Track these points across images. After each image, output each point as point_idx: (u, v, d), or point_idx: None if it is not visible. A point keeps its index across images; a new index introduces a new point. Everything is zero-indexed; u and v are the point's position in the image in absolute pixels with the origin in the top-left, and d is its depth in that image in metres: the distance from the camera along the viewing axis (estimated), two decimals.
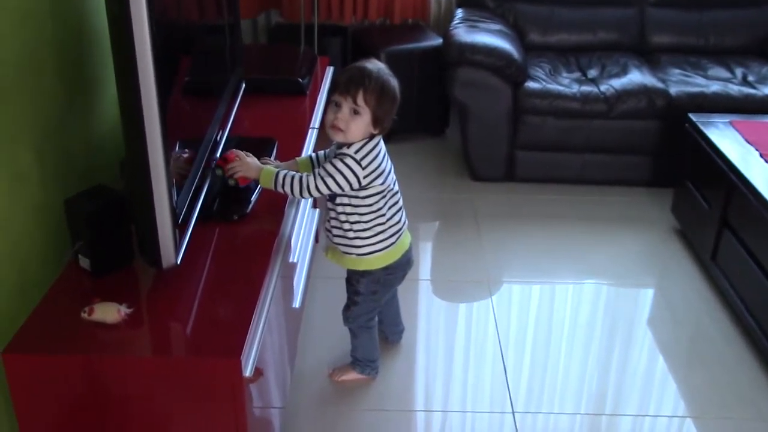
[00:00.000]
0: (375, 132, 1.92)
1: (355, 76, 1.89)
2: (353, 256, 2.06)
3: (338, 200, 1.98)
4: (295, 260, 2.14)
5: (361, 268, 2.10)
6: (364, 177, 1.91)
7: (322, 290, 2.70)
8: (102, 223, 1.60)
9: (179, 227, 1.54)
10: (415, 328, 2.58)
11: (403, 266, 2.15)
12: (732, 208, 2.65)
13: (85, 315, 1.48)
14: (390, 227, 2.04)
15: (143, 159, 1.42)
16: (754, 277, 2.44)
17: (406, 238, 2.14)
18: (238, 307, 1.55)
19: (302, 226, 2.29)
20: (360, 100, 1.87)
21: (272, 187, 1.90)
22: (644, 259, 3.05)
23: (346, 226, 2.01)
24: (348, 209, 1.98)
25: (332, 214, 2.03)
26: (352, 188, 1.92)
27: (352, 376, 2.31)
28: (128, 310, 1.50)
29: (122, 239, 1.65)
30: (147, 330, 1.53)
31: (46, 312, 1.52)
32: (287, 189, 1.90)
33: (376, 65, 1.93)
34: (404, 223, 2.11)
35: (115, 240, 1.63)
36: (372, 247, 2.04)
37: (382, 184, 1.96)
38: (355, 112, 1.88)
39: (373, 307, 2.21)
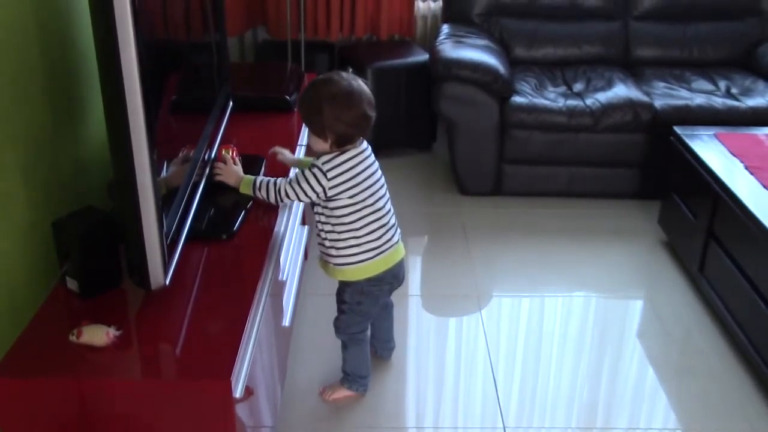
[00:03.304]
0: (330, 142, 1.95)
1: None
2: (330, 265, 2.10)
3: (315, 209, 2.03)
4: (284, 278, 2.14)
5: (338, 277, 2.12)
6: (330, 188, 1.93)
7: (312, 307, 2.69)
8: (90, 245, 1.59)
9: (168, 247, 1.53)
10: (405, 343, 2.57)
11: (388, 280, 2.14)
12: (718, 219, 2.66)
13: (73, 338, 1.47)
14: (365, 243, 2.03)
15: (131, 180, 1.42)
16: (741, 288, 2.46)
17: (394, 255, 2.11)
18: (228, 327, 1.55)
19: (291, 244, 2.29)
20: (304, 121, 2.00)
21: (251, 193, 2.00)
22: (632, 271, 3.07)
23: (322, 234, 2.06)
24: (322, 218, 2.03)
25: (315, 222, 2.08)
26: (318, 198, 1.96)
27: (342, 393, 2.30)
28: (117, 333, 1.49)
29: (111, 260, 1.64)
30: (136, 352, 1.52)
31: (35, 335, 1.51)
32: (264, 194, 1.99)
33: (320, 78, 1.99)
34: (388, 241, 2.07)
35: (103, 261, 1.63)
36: (345, 259, 2.05)
37: (351, 197, 1.96)
38: (308, 130, 2.00)
39: (361, 319, 2.20)
